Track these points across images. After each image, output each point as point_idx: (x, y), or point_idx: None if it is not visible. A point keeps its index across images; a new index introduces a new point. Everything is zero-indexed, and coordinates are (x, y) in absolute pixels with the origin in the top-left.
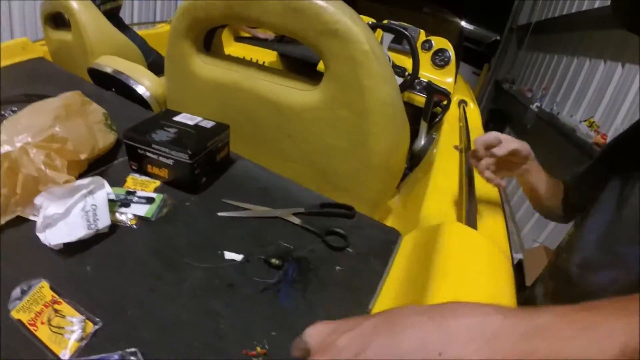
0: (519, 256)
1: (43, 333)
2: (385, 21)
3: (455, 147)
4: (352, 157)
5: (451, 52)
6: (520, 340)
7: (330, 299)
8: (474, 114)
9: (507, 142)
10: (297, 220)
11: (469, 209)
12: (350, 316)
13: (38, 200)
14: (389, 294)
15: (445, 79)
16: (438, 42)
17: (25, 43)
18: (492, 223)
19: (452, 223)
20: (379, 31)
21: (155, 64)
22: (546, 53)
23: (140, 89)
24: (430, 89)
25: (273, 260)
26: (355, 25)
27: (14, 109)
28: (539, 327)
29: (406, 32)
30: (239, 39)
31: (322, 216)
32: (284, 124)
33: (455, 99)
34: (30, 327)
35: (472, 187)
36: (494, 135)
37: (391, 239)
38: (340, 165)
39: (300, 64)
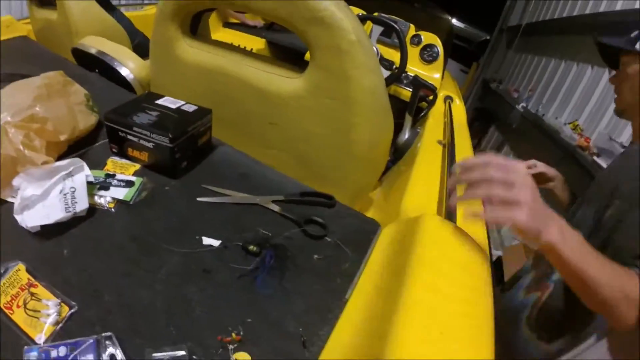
0: (498, 253)
1: (19, 316)
2: (375, 14)
3: (439, 142)
4: (335, 146)
5: (440, 48)
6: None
7: (307, 287)
8: (459, 110)
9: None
10: (276, 208)
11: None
12: (327, 305)
13: (16, 181)
14: (366, 283)
15: (432, 74)
16: (427, 37)
17: (9, 21)
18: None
19: (431, 216)
20: (369, 23)
21: (141, 47)
22: (534, 55)
23: (124, 71)
24: (417, 83)
25: (251, 247)
26: (343, 15)
27: None
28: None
29: (395, 26)
30: (227, 24)
31: (302, 204)
32: (267, 111)
33: (441, 95)
34: (6, 311)
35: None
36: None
37: (370, 229)
38: (322, 154)
39: (288, 53)
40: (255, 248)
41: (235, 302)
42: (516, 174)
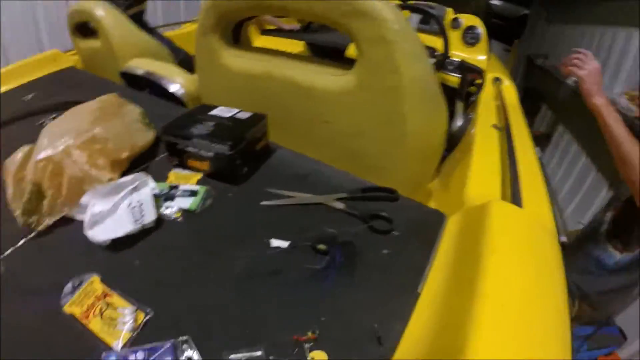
0: (562, 239)
1: (95, 325)
2: (410, 2)
3: (494, 126)
4: (389, 139)
5: (482, 29)
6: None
7: (378, 282)
8: (510, 90)
9: None
10: (340, 206)
11: (513, 188)
12: (399, 300)
13: (84, 199)
14: (437, 276)
15: (477, 56)
16: (467, 19)
17: (56, 54)
18: (537, 202)
19: (498, 202)
20: (406, 13)
21: (185, 63)
22: (578, 25)
23: (174, 87)
24: (464, 67)
25: (320, 246)
26: (382, 5)
27: (52, 117)
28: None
29: (433, 12)
30: (264, 32)
31: (364, 200)
32: (317, 110)
33: (489, 77)
34: (83, 320)
35: (515, 166)
36: None
37: (436, 220)
38: (377, 148)
39: (328, 51)
40: (324, 247)
41: (307, 301)
42: (590, 59)
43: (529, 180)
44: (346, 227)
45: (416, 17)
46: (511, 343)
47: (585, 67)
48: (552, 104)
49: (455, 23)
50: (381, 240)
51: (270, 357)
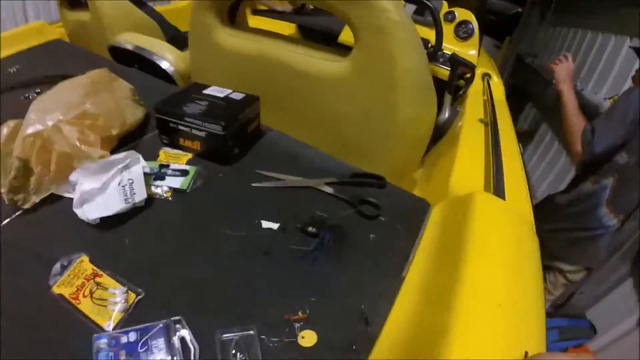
0: None
1: (85, 306)
2: None
3: (481, 120)
4: (379, 126)
5: (475, 24)
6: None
7: (365, 265)
8: (498, 87)
9: None
10: (329, 190)
11: (497, 181)
12: (385, 282)
13: (73, 176)
14: (421, 261)
15: (468, 51)
16: (461, 13)
17: (41, 26)
18: (518, 195)
19: (481, 193)
20: (401, 2)
21: (175, 40)
22: (569, 28)
23: (164, 64)
24: (455, 61)
25: (309, 229)
26: None
27: (37, 90)
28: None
29: (429, 3)
30: (255, 12)
31: (353, 186)
32: (311, 95)
33: (479, 72)
34: (73, 301)
35: (500, 159)
36: None
37: (421, 208)
38: (367, 135)
39: (320, 36)
40: (313, 229)
41: (297, 282)
42: (568, 60)
43: (511, 174)
44: (335, 211)
45: (410, 7)
46: (491, 325)
47: (561, 65)
48: (537, 102)
49: (448, 16)
50: (369, 225)
51: (262, 336)
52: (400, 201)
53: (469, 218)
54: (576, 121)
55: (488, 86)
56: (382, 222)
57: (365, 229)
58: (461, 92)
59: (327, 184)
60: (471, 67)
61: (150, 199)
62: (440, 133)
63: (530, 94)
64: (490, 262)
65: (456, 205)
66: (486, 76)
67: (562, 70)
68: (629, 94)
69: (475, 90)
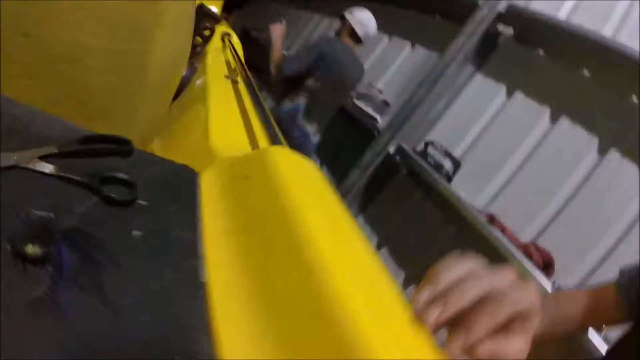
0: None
1: None
2: None
3: (227, 77)
4: (121, 68)
5: None
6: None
7: (142, 283)
8: (239, 46)
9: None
10: (48, 168)
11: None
12: (184, 298)
13: None
14: (221, 251)
15: (211, 7)
16: None
17: None
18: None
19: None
20: None
21: None
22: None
23: None
24: (201, 11)
25: (29, 249)
26: None
27: None
28: None
29: None
30: None
31: (85, 156)
32: (17, 17)
33: (218, 31)
34: None
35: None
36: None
37: (186, 178)
38: (101, 80)
39: None
40: (35, 249)
41: (37, 347)
42: (282, 24)
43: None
44: (66, 202)
45: None
46: (361, 285)
47: (276, 25)
48: (261, 75)
49: None
50: (125, 216)
51: None
52: (157, 172)
53: (275, 176)
54: (278, 56)
55: (230, 44)
56: (143, 207)
57: (122, 223)
58: (198, 49)
59: (43, 158)
60: (218, 20)
61: None
62: (178, 90)
63: (256, 68)
64: (331, 217)
65: (243, 167)
66: (226, 35)
67: (277, 28)
68: (328, 40)
69: (214, 48)
